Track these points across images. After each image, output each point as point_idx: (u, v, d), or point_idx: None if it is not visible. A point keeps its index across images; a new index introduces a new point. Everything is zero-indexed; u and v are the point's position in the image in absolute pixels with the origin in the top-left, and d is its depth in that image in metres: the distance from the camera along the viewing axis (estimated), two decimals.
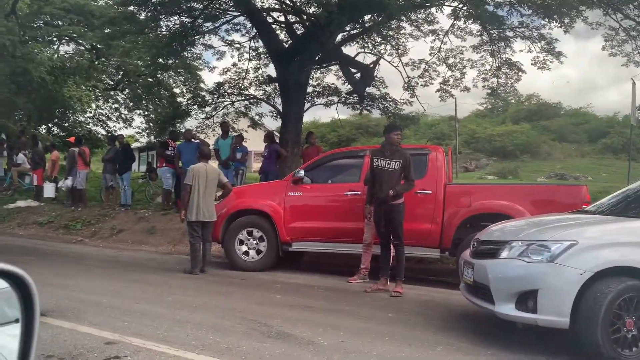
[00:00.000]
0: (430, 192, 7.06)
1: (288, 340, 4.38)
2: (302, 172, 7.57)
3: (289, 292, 6.37)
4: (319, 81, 16.13)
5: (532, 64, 13.11)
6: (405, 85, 15.03)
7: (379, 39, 14.37)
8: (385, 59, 14.62)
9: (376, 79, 14.49)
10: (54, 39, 20.66)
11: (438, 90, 14.98)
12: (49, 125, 24.82)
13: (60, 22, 19.08)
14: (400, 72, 14.70)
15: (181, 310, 5.24)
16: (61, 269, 7.45)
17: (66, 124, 24.92)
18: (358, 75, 13.76)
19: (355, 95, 14.60)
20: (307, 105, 14.58)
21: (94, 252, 9.53)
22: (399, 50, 14.50)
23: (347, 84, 14.92)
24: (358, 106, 15.70)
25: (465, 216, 6.92)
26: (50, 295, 5.49)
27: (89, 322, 4.66)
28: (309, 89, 15.00)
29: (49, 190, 14.06)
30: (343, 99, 15.70)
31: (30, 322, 0.86)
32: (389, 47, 14.66)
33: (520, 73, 13.83)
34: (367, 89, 14.31)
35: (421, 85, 15.06)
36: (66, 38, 20.38)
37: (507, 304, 4.12)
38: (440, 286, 7.02)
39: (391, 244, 6.46)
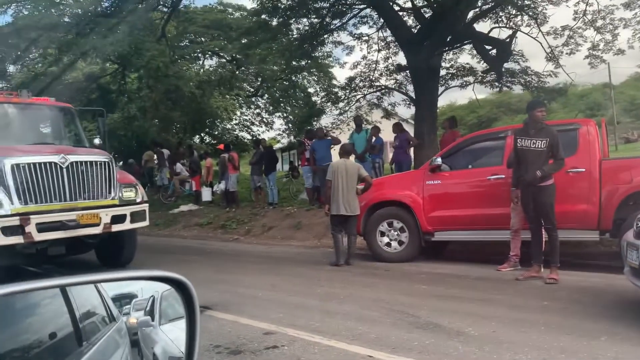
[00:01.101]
0: (583, 169, 6.49)
1: (437, 330, 4.34)
2: (439, 160, 7.40)
3: (434, 282, 6.29)
4: (452, 63, 15.64)
5: None
6: (548, 56, 13.95)
7: (514, 11, 13.49)
8: (523, 31, 13.69)
9: (514, 53, 13.63)
10: (199, 54, 22.53)
11: (587, 57, 13.72)
12: (201, 134, 27.21)
13: (202, 39, 20.76)
14: (541, 43, 13.68)
15: (330, 302, 5.45)
16: (222, 266, 8.14)
17: (216, 132, 27.14)
18: (494, 51, 13.07)
19: (493, 72, 13.90)
20: (440, 89, 14.23)
21: (248, 249, 10.27)
22: (538, 20, 13.47)
23: (482, 62, 14.27)
24: (497, 84, 14.93)
25: (626, 194, 6.26)
26: (214, 290, 6.05)
27: (248, 314, 5.05)
28: (442, 72, 14.61)
29: (206, 194, 15.47)
30: (480, 78, 15.05)
31: (193, 319, 0.99)
32: (526, 17, 13.69)
33: None
34: (506, 65, 13.55)
35: (566, 54, 13.89)
36: (209, 53, 22.11)
37: None
38: (600, 271, 6.43)
39: (542, 228, 6.06)
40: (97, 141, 8.58)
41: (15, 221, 6.22)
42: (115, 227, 7.07)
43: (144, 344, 1.24)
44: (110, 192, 7.12)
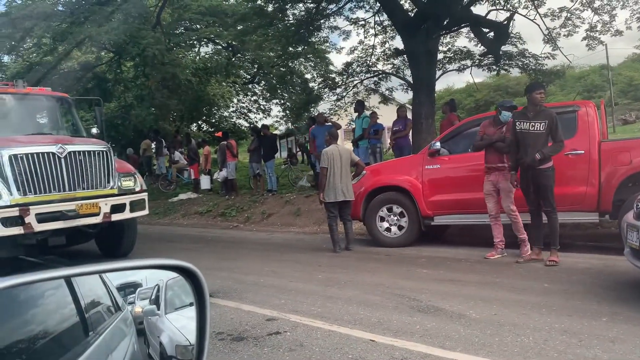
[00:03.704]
0: (582, 152, 6.49)
1: (438, 314, 4.37)
2: (438, 144, 7.39)
3: (435, 266, 6.31)
4: (449, 46, 15.55)
5: None
6: (546, 38, 13.87)
7: None
8: (520, 13, 13.60)
9: (512, 35, 13.55)
10: (194, 42, 22.34)
11: (584, 39, 13.63)
12: (199, 122, 27.10)
13: (198, 26, 20.58)
14: (539, 25, 13.59)
15: (331, 287, 5.47)
16: (223, 254, 8.16)
17: (213, 120, 27.03)
18: (491, 34, 12.99)
19: (491, 55, 13.82)
20: (438, 73, 14.15)
21: (249, 236, 10.29)
22: (535, 2, 13.37)
23: (480, 45, 14.19)
24: (494, 67, 14.87)
25: (625, 175, 6.26)
26: (215, 277, 6.07)
27: (250, 300, 5.08)
28: (439, 56, 14.52)
29: (204, 182, 15.46)
30: (477, 61, 14.97)
31: (202, 306, 0.99)
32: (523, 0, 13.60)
33: None
34: (503, 48, 13.47)
35: (564, 35, 13.81)
36: (205, 40, 21.93)
37: None
38: (600, 253, 6.46)
39: (542, 211, 6.07)
40: (94, 131, 8.54)
41: (14, 212, 6.21)
42: (115, 217, 7.07)
43: (150, 332, 1.25)
44: (109, 182, 7.11)
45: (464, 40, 15.22)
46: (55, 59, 17.45)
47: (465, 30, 14.37)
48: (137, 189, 7.48)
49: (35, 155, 6.49)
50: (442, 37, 14.11)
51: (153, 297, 1.26)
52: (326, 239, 8.67)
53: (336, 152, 7.57)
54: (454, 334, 3.85)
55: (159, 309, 1.26)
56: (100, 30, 14.09)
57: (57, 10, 15.67)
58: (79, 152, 6.86)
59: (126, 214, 7.20)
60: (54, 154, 6.61)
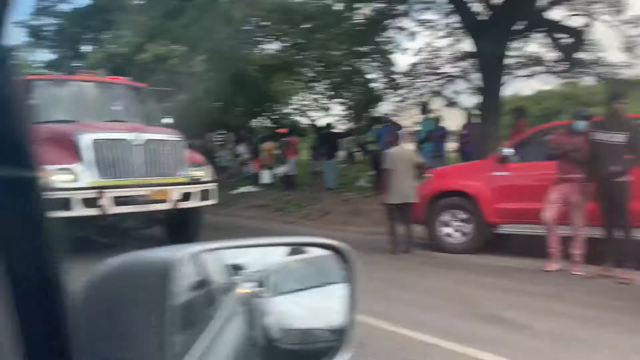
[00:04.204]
0: None
1: (502, 324, 4.29)
2: (508, 150, 7.20)
3: (498, 274, 6.17)
4: (520, 51, 15.09)
5: None
6: (625, 46, 13.20)
7: None
8: (599, 20, 13.01)
9: (589, 42, 13.00)
10: (261, 39, 22.69)
11: None
12: (260, 118, 27.54)
13: (266, 23, 20.89)
14: (618, 33, 12.95)
15: (392, 289, 5.45)
16: None
17: (275, 117, 27.41)
18: (567, 40, 12.51)
19: (564, 62, 13.32)
20: (506, 78, 13.78)
21: (307, 232, 10.38)
22: (616, 8, 12.76)
23: (552, 51, 13.69)
24: (568, 74, 14.32)
25: None
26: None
27: None
28: (509, 61, 14.13)
29: (265, 176, 15.74)
30: (549, 68, 14.46)
31: (352, 284, 1.10)
32: (603, 5, 12.99)
33: None
34: (578, 55, 12.95)
35: None
36: (271, 37, 22.24)
37: None
38: None
39: (616, 226, 5.81)
40: (167, 120, 8.88)
41: (93, 194, 6.55)
42: (184, 204, 7.32)
43: (256, 315, 1.30)
44: (180, 170, 7.37)
45: (535, 46, 14.74)
46: (131, 51, 18.24)
47: (538, 35, 13.93)
48: (207, 179, 7.72)
49: (114, 141, 6.84)
50: (513, 42, 13.73)
51: (258, 279, 1.31)
52: (385, 240, 8.63)
53: (400, 154, 7.52)
54: (520, 345, 3.77)
55: (266, 292, 1.32)
56: (176, 24, 14.60)
57: (137, 4, 16.36)
58: (154, 140, 7.16)
59: (195, 202, 7.44)
60: (131, 141, 6.93)
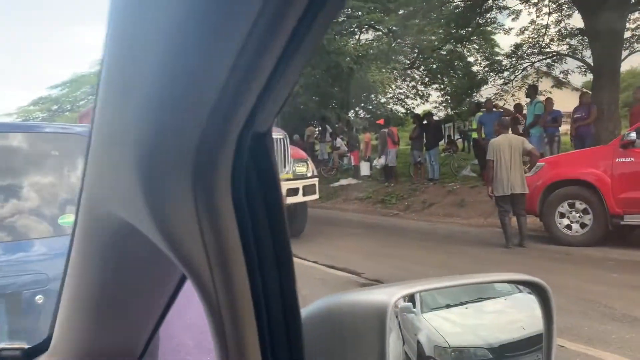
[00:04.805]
0: None
1: (636, 324, 3.95)
2: (633, 134, 6.60)
3: (626, 270, 5.69)
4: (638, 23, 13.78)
5: None
6: None
7: None
8: None
9: None
10: (355, 29, 22.65)
11: None
12: (356, 109, 27.55)
13: (359, 12, 20.81)
14: None
15: None
16: (386, 241, 8.26)
17: (370, 107, 27.28)
18: None
19: None
20: (624, 53, 12.65)
21: (410, 225, 10.26)
22: None
23: None
24: None
25: None
26: (383, 264, 6.18)
27: None
28: (626, 34, 12.95)
29: (364, 168, 15.74)
30: None
31: (550, 322, 1.04)
32: None
33: None
34: None
35: None
36: (365, 26, 22.12)
37: None
38: None
39: None
40: None
41: None
42: (289, 200, 7.51)
43: (406, 330, 1.27)
44: (284, 167, 7.57)
45: None
46: None
47: None
48: (309, 175, 7.87)
49: None
50: (630, 14, 12.56)
51: (406, 294, 1.28)
52: (494, 233, 8.31)
53: (504, 143, 7.11)
54: None
55: (414, 307, 1.29)
56: None
57: None
58: None
59: (299, 198, 7.62)
60: None
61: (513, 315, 1.13)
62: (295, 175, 7.69)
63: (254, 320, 0.46)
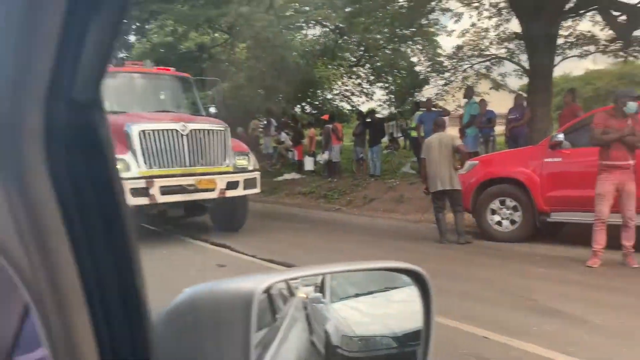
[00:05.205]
0: None
1: (557, 316, 4.15)
2: (561, 136, 6.92)
3: (551, 265, 5.98)
4: (571, 30, 14.49)
5: None
6: None
7: None
8: None
9: None
10: (302, 24, 22.60)
11: None
12: (302, 104, 27.53)
13: (307, 8, 20.78)
14: None
15: (440, 279, 5.32)
16: (329, 235, 8.32)
17: (316, 102, 27.34)
18: (622, 18, 11.91)
19: (619, 41, 12.71)
20: (557, 59, 13.27)
21: (352, 220, 10.36)
22: None
23: (606, 29, 13.09)
24: (622, 53, 13.66)
25: None
26: (320, 257, 6.19)
27: None
28: (559, 41, 13.58)
29: (308, 163, 15.75)
30: (602, 47, 13.84)
31: (428, 309, 1.05)
32: None
33: None
34: (635, 32, 12.32)
35: None
36: (313, 22, 22.11)
37: None
38: None
39: None
40: (212, 110, 8.98)
41: (141, 183, 6.70)
42: (229, 193, 7.42)
43: (315, 320, 1.27)
44: (225, 160, 7.47)
45: (587, 24, 14.10)
46: (175, 40, 18.51)
47: (590, 13, 13.32)
48: (251, 168, 7.80)
49: (161, 131, 6.97)
50: (563, 21, 13.18)
51: (317, 284, 1.28)
52: (431, 229, 8.51)
53: (435, 141, 7.29)
54: (576, 340, 3.64)
55: (324, 297, 1.29)
56: (218, 12, 14.69)
57: None
58: (200, 130, 7.25)
59: (240, 191, 7.53)
60: (177, 131, 7.05)
61: (417, 305, 1.14)
62: (236, 168, 7.60)
63: (84, 307, 0.42)
